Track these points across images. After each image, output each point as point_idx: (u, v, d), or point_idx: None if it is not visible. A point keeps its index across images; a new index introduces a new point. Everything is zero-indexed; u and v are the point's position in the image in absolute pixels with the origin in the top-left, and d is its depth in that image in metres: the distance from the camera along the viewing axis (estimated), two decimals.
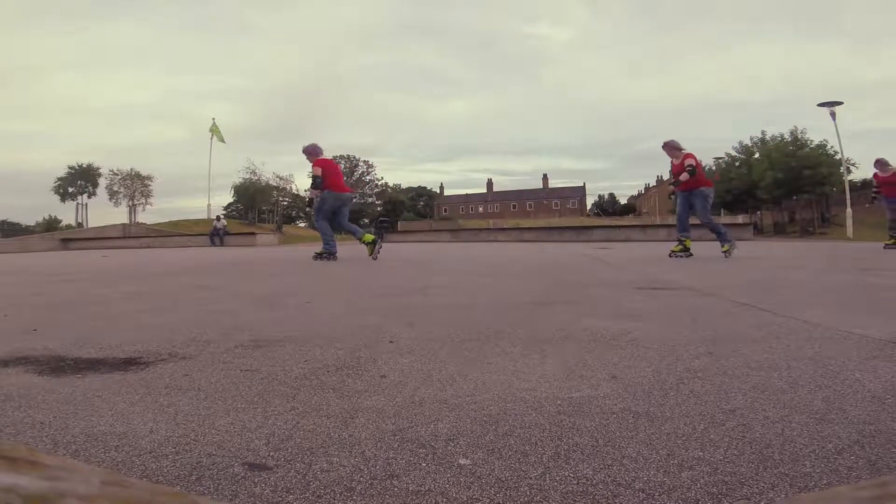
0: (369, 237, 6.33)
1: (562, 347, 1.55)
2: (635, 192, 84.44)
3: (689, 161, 6.01)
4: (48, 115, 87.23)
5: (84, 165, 46.88)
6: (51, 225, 49.02)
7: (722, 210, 37.20)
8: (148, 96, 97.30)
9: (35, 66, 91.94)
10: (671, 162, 6.34)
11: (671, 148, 6.27)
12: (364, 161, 63.57)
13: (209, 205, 28.03)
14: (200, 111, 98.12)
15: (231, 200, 44.16)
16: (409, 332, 1.79)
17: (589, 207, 75.26)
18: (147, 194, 46.72)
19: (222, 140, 28.79)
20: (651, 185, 75.35)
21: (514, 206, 75.19)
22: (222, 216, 21.96)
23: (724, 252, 5.98)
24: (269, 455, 0.83)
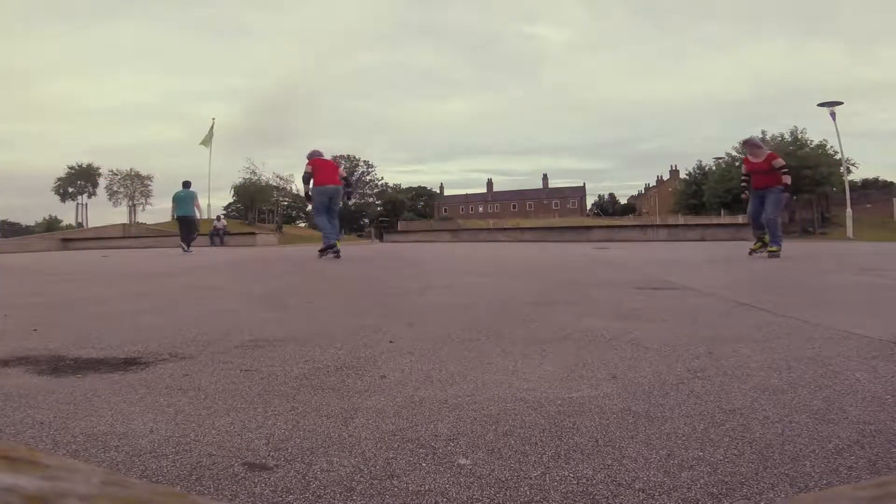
0: None
1: (562, 347, 1.55)
2: (635, 192, 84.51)
3: (779, 161, 6.13)
4: (47, 117, 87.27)
5: (84, 165, 46.87)
6: (51, 225, 49.03)
7: (722, 210, 37.25)
8: (146, 97, 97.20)
9: (34, 67, 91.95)
10: (746, 158, 6.51)
11: (752, 145, 6.38)
12: (364, 161, 63.67)
13: (209, 205, 28.03)
14: (199, 111, 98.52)
15: (231, 200, 44.18)
16: (409, 332, 1.79)
17: (589, 207, 75.28)
18: (147, 194, 46.73)
19: (210, 139, 28.62)
20: (651, 185, 75.43)
21: (514, 206, 75.17)
22: (222, 216, 22.00)
23: (771, 252, 5.99)
24: (269, 455, 0.83)
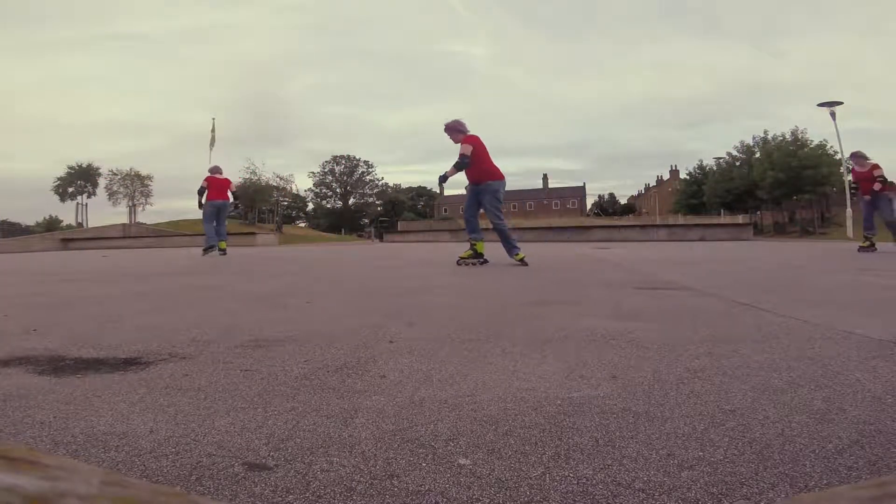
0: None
1: (562, 347, 1.55)
2: (635, 192, 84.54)
3: (464, 147, 4.93)
4: (51, 132, 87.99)
5: (84, 165, 46.84)
6: (51, 225, 49.05)
7: (722, 210, 37.25)
8: (141, 108, 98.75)
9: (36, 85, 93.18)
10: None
11: (453, 130, 5.16)
12: (364, 161, 63.65)
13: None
14: (195, 117, 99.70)
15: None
16: (409, 332, 1.79)
17: (589, 207, 75.31)
18: (147, 194, 46.66)
19: (213, 144, 28.45)
20: (651, 185, 75.48)
21: (514, 206, 75.14)
22: None
23: (520, 260, 4.99)
24: (269, 455, 0.83)
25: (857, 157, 7.60)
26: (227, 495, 0.71)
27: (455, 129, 5.16)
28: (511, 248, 5.06)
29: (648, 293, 2.86)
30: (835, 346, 1.51)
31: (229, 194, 8.96)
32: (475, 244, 5.21)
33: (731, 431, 0.90)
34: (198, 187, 8.78)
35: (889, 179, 7.40)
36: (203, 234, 9.06)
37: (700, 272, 4.30)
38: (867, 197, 7.33)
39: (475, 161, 4.98)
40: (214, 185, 8.79)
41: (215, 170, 8.94)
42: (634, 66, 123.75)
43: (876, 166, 7.31)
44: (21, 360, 1.45)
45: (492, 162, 5.10)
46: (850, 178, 7.42)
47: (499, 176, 5.09)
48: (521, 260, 4.99)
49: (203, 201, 8.73)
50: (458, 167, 4.97)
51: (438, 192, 76.97)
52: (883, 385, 1.13)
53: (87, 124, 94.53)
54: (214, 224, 8.70)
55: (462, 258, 5.22)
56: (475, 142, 5.00)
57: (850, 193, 8.20)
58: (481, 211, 5.21)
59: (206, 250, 8.71)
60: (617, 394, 1.11)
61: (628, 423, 0.94)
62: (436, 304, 2.52)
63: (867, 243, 7.36)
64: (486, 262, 5.15)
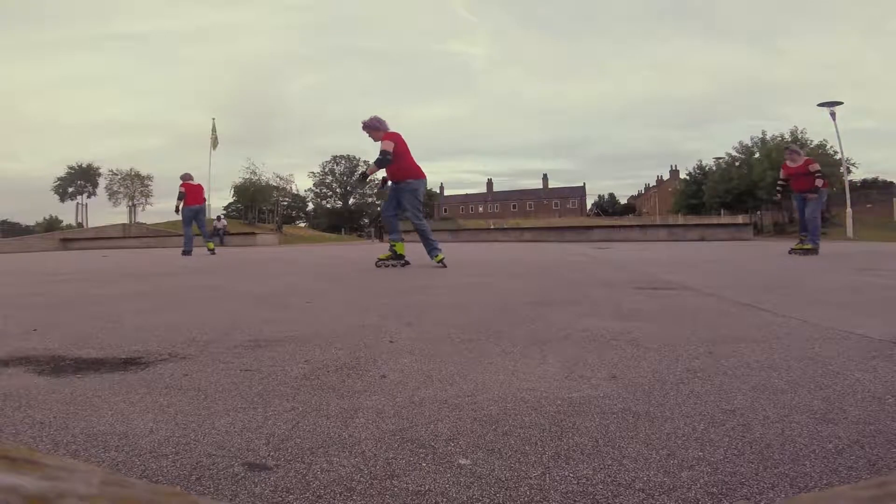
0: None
1: (562, 347, 1.55)
2: (635, 193, 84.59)
3: (386, 143, 4.82)
4: (52, 132, 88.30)
5: (84, 165, 46.78)
6: (51, 225, 48.98)
7: (722, 210, 37.25)
8: (139, 108, 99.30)
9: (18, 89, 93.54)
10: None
11: (372, 128, 5.02)
12: (364, 161, 63.62)
13: (209, 205, 27.99)
14: (195, 117, 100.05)
15: (231, 200, 44.13)
16: (409, 332, 1.79)
17: (589, 207, 75.31)
18: (147, 194, 46.54)
19: (215, 144, 28.50)
20: (651, 186, 75.51)
21: (515, 207, 75.17)
22: (222, 216, 22.02)
23: (439, 262, 4.95)
24: (269, 455, 0.83)
25: (792, 151, 7.04)
26: (227, 495, 0.71)
27: (374, 127, 5.00)
28: (431, 250, 4.99)
29: (648, 293, 2.85)
30: (835, 346, 1.51)
31: (204, 198, 9.91)
32: (394, 245, 5.10)
33: (731, 431, 0.90)
34: (177, 193, 9.58)
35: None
36: (182, 236, 9.72)
37: (700, 272, 4.30)
38: (813, 196, 6.68)
39: (396, 159, 4.86)
40: (191, 191, 9.56)
41: (187, 177, 9.69)
42: (634, 66, 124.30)
43: (810, 161, 6.81)
44: (21, 360, 1.45)
45: (413, 160, 5.00)
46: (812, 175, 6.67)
47: (419, 175, 4.99)
48: (441, 262, 4.89)
49: (181, 206, 9.43)
50: (379, 164, 4.84)
51: (439, 191, 76.99)
52: (883, 385, 1.13)
53: (87, 124, 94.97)
54: (194, 227, 9.48)
55: (381, 259, 5.10)
56: (396, 139, 4.89)
57: (777, 190, 7.51)
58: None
59: (185, 253, 9.32)
60: (617, 394, 1.11)
61: (628, 423, 0.94)
62: (436, 304, 2.52)
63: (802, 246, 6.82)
64: (406, 263, 5.07)
